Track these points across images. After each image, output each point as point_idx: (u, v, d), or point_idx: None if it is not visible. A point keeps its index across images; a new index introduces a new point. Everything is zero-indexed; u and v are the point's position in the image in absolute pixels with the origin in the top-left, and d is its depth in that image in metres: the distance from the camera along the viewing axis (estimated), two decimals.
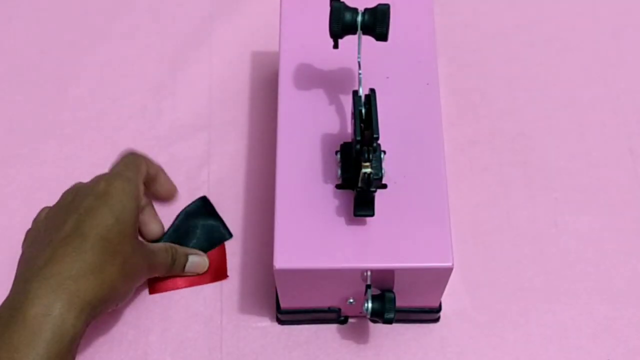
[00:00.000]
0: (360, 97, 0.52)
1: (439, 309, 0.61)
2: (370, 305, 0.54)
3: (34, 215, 0.62)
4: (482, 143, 0.71)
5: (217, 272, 0.64)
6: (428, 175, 0.55)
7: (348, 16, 0.51)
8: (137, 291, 0.63)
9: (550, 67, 0.75)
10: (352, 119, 0.52)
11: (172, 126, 0.72)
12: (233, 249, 0.66)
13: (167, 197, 0.67)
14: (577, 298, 0.64)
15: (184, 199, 0.67)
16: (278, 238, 0.52)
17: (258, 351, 0.61)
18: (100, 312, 0.53)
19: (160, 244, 0.62)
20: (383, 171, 0.52)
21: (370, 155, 0.49)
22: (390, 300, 0.54)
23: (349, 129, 0.56)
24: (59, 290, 0.50)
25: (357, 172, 0.50)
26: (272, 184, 0.55)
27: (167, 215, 0.66)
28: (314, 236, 0.53)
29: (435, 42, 0.61)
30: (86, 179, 0.59)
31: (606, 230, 0.67)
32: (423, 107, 0.58)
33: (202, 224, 0.66)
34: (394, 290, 0.55)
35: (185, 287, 0.64)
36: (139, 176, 0.60)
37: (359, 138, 0.50)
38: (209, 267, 0.64)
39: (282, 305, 0.60)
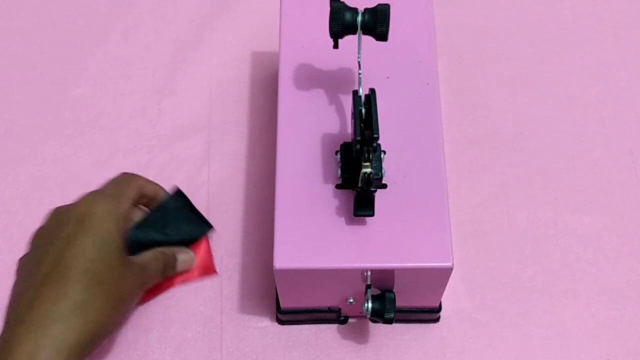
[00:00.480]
0: (360, 97, 0.52)
1: (439, 309, 0.61)
2: (370, 305, 0.54)
3: (34, 215, 0.62)
4: (482, 143, 0.71)
5: (205, 268, 0.64)
6: (428, 175, 0.55)
7: (348, 16, 0.51)
8: None
9: (550, 67, 0.75)
10: (352, 119, 0.52)
11: (172, 126, 0.72)
12: (233, 249, 0.66)
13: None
14: (577, 298, 0.64)
15: None
16: (278, 238, 0.52)
17: (258, 351, 0.61)
18: (92, 349, 0.51)
19: (149, 254, 0.58)
20: (383, 171, 0.52)
21: (370, 155, 0.49)
22: (390, 300, 0.54)
23: (349, 129, 0.56)
24: (44, 337, 0.48)
25: (357, 172, 0.50)
26: (272, 184, 0.55)
27: None
28: (314, 236, 0.53)
29: (435, 42, 0.61)
30: (86, 179, 0.59)
31: (606, 230, 0.67)
32: (423, 107, 0.58)
33: (179, 218, 0.62)
34: (394, 290, 0.55)
35: (173, 287, 0.63)
36: (126, 194, 0.57)
37: (359, 138, 0.50)
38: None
39: (282, 305, 0.60)
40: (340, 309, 0.60)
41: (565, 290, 0.64)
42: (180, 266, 0.62)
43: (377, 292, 0.55)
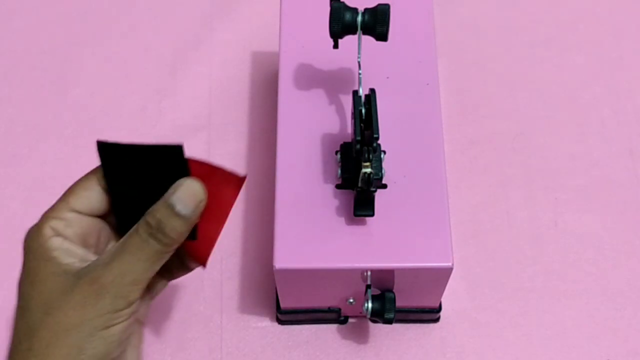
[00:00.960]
0: (360, 97, 0.52)
1: (439, 309, 0.61)
2: (370, 305, 0.54)
3: (34, 215, 0.61)
4: (482, 143, 0.71)
5: (228, 179, 0.46)
6: (428, 175, 0.55)
7: (348, 16, 0.51)
8: None
9: (550, 67, 0.75)
10: (352, 119, 0.52)
11: (172, 126, 0.72)
12: (233, 249, 0.65)
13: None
14: (577, 298, 0.64)
15: None
16: (278, 238, 0.52)
17: (258, 351, 0.61)
18: None
19: (130, 243, 0.43)
20: (383, 171, 0.52)
21: (370, 155, 0.49)
22: (390, 300, 0.54)
23: (349, 129, 0.56)
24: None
25: (357, 172, 0.50)
26: (272, 184, 0.55)
27: None
28: (314, 236, 0.53)
29: (435, 42, 0.61)
30: None
31: (606, 230, 0.67)
32: (423, 107, 0.58)
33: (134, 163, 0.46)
34: (394, 290, 0.55)
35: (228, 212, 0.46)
36: (57, 207, 0.49)
37: (359, 138, 0.50)
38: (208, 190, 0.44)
39: (282, 305, 0.60)
40: (340, 309, 0.60)
41: (565, 290, 0.64)
42: (182, 208, 0.43)
43: (377, 292, 0.55)
